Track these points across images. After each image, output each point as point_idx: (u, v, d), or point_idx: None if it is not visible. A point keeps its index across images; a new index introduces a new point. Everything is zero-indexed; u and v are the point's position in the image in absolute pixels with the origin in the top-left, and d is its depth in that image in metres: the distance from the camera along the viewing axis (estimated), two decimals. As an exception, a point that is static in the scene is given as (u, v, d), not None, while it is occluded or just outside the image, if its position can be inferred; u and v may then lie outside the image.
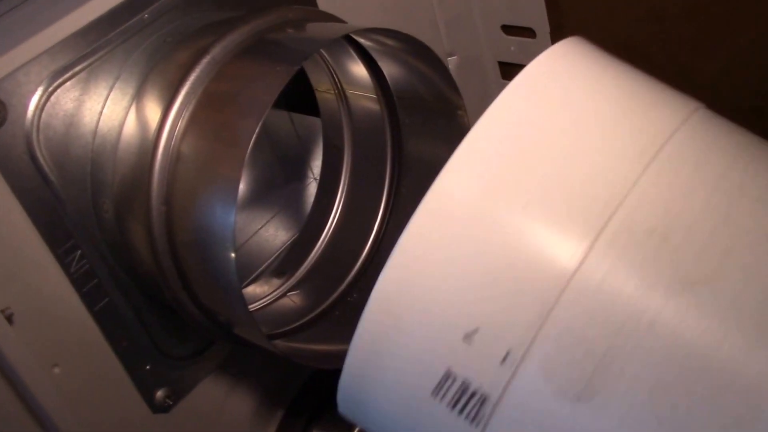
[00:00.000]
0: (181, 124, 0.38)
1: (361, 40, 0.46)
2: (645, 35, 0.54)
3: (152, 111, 0.39)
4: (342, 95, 0.51)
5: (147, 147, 0.38)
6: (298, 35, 0.41)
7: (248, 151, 0.35)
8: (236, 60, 0.39)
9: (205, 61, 0.39)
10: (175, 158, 0.38)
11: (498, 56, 0.60)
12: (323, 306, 0.51)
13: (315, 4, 0.49)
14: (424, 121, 0.49)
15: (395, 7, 0.56)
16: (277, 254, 0.56)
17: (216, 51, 0.39)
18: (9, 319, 0.38)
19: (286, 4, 0.46)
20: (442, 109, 0.46)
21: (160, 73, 0.40)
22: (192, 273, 0.39)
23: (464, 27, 0.59)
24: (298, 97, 0.53)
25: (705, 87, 0.54)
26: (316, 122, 0.55)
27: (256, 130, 0.35)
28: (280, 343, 0.45)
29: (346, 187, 0.54)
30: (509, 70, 0.61)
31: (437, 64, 0.43)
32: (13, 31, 0.39)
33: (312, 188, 0.58)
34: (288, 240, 0.57)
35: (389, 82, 0.48)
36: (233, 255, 0.35)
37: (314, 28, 0.41)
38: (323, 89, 0.52)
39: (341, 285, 0.52)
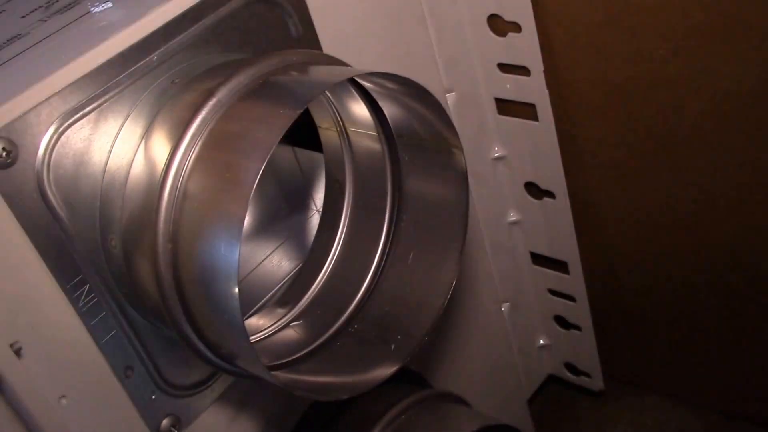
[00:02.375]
0: (187, 164, 0.39)
1: (363, 82, 0.46)
2: (633, 75, 0.55)
3: (160, 150, 0.39)
4: (344, 132, 0.52)
5: (154, 185, 0.39)
6: (301, 78, 0.41)
7: (252, 191, 0.36)
8: (242, 102, 0.40)
9: (211, 102, 0.39)
10: (181, 197, 0.38)
11: (494, 93, 0.61)
12: (325, 336, 0.51)
13: (319, 47, 0.50)
14: (422, 158, 0.49)
15: (397, 47, 0.57)
16: (281, 284, 0.56)
17: (222, 93, 0.39)
18: (17, 352, 0.39)
19: (291, 47, 0.47)
20: (439, 148, 0.47)
21: (167, 113, 0.41)
22: (196, 308, 0.39)
23: (462, 65, 0.60)
24: (302, 132, 0.54)
25: (689, 125, 0.55)
26: (318, 157, 0.55)
27: (260, 171, 0.36)
28: (281, 375, 0.45)
29: (347, 220, 0.54)
30: (505, 106, 0.62)
31: (435, 106, 0.43)
32: (25, 74, 0.40)
33: (315, 219, 0.59)
34: (292, 270, 0.57)
35: (389, 122, 0.49)
36: (237, 291, 0.36)
37: (317, 72, 0.42)
38: (326, 126, 0.52)
39: (342, 315, 0.52)
